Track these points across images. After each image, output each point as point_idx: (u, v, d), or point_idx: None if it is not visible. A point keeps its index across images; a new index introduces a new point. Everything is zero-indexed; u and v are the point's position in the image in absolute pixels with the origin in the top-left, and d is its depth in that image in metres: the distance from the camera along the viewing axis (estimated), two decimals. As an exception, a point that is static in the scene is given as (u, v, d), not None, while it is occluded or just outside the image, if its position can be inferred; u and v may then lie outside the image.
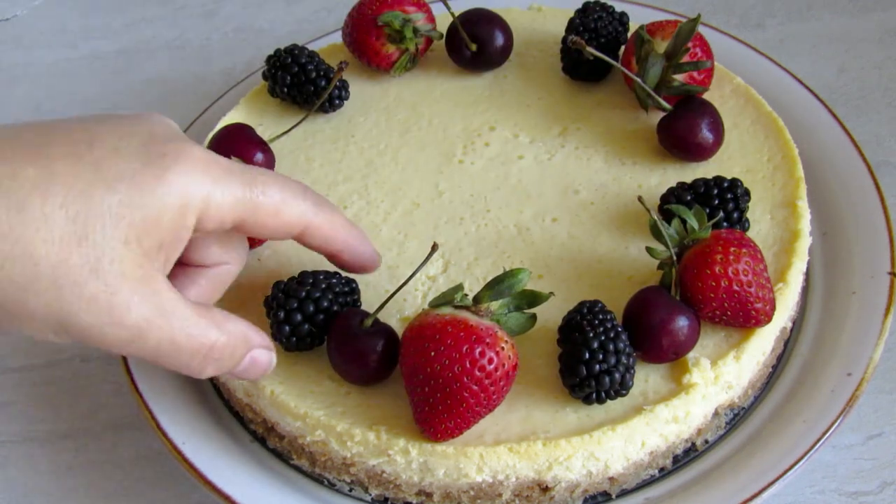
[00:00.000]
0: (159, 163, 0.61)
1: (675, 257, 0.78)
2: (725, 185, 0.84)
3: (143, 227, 0.60)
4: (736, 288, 0.75)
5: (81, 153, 0.59)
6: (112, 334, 0.61)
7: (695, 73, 0.92)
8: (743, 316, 0.76)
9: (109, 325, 0.60)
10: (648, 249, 0.79)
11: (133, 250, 0.60)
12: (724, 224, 0.83)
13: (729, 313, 0.76)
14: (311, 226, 0.71)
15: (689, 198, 0.84)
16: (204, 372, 0.67)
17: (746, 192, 0.84)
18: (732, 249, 0.76)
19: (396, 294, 0.78)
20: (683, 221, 0.78)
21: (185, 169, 0.62)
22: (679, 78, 0.91)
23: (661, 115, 0.92)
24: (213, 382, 0.89)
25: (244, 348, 0.69)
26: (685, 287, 0.77)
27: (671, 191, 0.85)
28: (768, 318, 0.77)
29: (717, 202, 0.83)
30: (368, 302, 0.80)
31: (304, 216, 0.70)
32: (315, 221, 0.71)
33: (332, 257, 0.76)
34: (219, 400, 0.89)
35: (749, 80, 0.99)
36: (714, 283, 0.75)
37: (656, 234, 0.78)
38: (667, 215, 0.82)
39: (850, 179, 0.95)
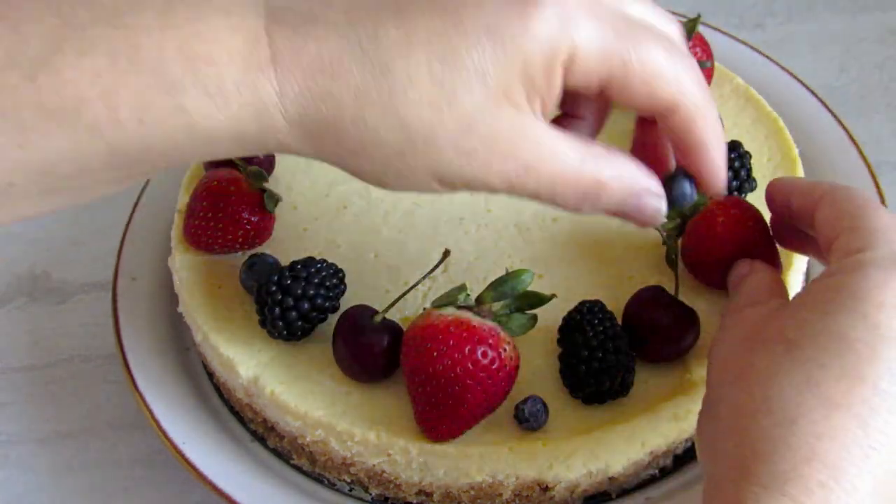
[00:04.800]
0: (521, 10, 0.56)
1: (677, 229, 0.79)
2: (727, 146, 0.85)
3: (509, 82, 0.56)
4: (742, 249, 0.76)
5: (443, 7, 0.55)
6: (497, 179, 0.58)
7: (695, 73, 0.92)
8: None
9: (490, 173, 0.58)
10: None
11: (504, 107, 0.57)
12: (734, 182, 0.84)
13: None
14: (681, 110, 0.60)
15: None
16: (597, 210, 0.62)
17: (748, 153, 0.86)
18: (734, 211, 0.76)
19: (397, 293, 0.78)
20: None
21: (550, 15, 0.56)
22: (679, 78, 0.91)
23: (661, 115, 0.92)
24: (214, 382, 0.89)
25: (635, 192, 0.62)
26: (691, 254, 0.78)
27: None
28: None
29: None
30: (368, 302, 0.80)
31: (677, 96, 0.60)
32: (689, 107, 0.60)
33: (683, 157, 0.65)
34: (219, 400, 0.89)
35: (749, 80, 0.99)
36: (721, 243, 0.76)
37: None
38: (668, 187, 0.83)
39: (850, 179, 0.95)
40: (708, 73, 0.94)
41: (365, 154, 0.57)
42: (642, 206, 0.63)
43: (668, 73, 0.59)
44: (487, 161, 0.58)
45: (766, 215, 0.80)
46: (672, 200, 0.67)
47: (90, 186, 0.58)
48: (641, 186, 0.62)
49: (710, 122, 0.63)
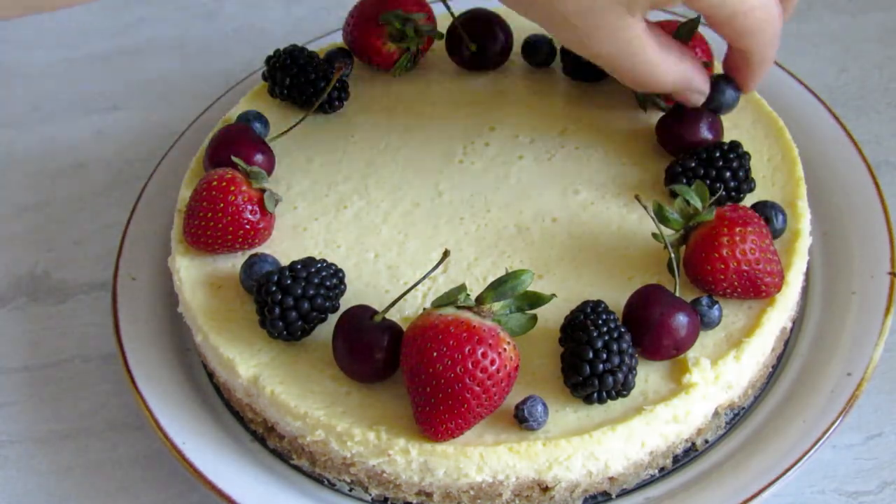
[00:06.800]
0: None
1: (680, 239, 0.79)
2: (726, 147, 0.86)
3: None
4: (745, 268, 0.77)
5: None
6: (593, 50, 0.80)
7: (695, 73, 0.92)
8: (753, 291, 0.78)
9: (589, 46, 0.79)
10: (655, 235, 0.79)
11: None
12: (732, 183, 0.85)
13: (739, 290, 0.78)
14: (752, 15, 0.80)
15: (693, 164, 0.85)
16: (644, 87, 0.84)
17: (747, 153, 0.86)
18: (738, 230, 0.77)
19: (396, 293, 0.78)
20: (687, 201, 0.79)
21: None
22: (679, 78, 0.91)
23: (661, 114, 0.92)
24: (214, 382, 0.89)
25: (685, 86, 0.85)
26: (694, 269, 0.78)
27: (676, 161, 0.87)
28: (777, 288, 0.79)
29: (721, 163, 0.85)
30: (368, 302, 0.80)
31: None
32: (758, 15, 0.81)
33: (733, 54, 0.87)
34: (219, 400, 0.89)
35: (749, 80, 0.99)
36: (723, 266, 0.77)
37: (661, 219, 0.79)
38: (671, 193, 0.83)
39: (850, 179, 0.95)
40: (708, 74, 0.94)
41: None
42: (687, 99, 0.87)
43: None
44: (586, 37, 0.78)
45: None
46: (717, 103, 0.88)
47: None
48: (695, 87, 0.86)
49: (766, 35, 0.83)
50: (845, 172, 0.96)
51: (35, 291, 1.06)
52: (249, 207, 0.85)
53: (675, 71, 0.82)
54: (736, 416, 0.83)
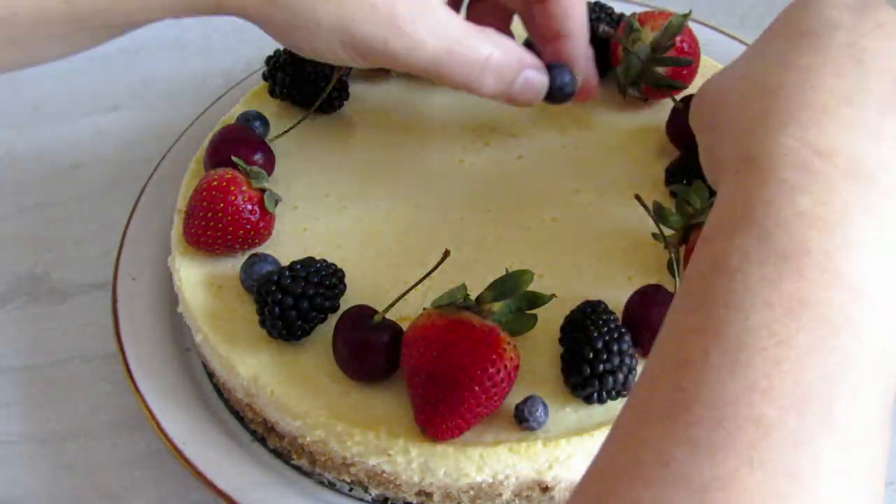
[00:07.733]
0: None
1: (680, 239, 0.79)
2: None
3: None
4: None
5: None
6: (392, 43, 0.68)
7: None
8: None
9: (389, 35, 0.68)
10: (655, 235, 0.79)
11: None
12: None
13: None
14: None
15: (693, 164, 0.85)
16: (483, 85, 0.72)
17: None
18: None
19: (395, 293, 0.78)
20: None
21: None
22: (661, 70, 0.91)
23: (660, 109, 0.92)
24: (214, 382, 0.89)
25: (518, 66, 0.73)
26: None
27: (676, 161, 0.87)
28: None
29: None
30: (368, 302, 0.80)
31: None
32: None
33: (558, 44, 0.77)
34: (219, 400, 0.89)
35: (749, 79, 0.99)
36: None
37: (661, 219, 0.79)
38: (671, 193, 0.84)
39: (849, 179, 0.95)
40: (691, 71, 0.93)
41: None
42: (527, 80, 0.74)
43: None
44: (388, 20, 0.67)
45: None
46: (557, 89, 0.77)
47: (45, 40, 0.63)
48: (524, 62, 0.73)
49: (584, 10, 0.77)
50: (845, 172, 0.96)
51: (35, 291, 1.06)
52: (249, 207, 0.85)
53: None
54: (736, 416, 0.83)
